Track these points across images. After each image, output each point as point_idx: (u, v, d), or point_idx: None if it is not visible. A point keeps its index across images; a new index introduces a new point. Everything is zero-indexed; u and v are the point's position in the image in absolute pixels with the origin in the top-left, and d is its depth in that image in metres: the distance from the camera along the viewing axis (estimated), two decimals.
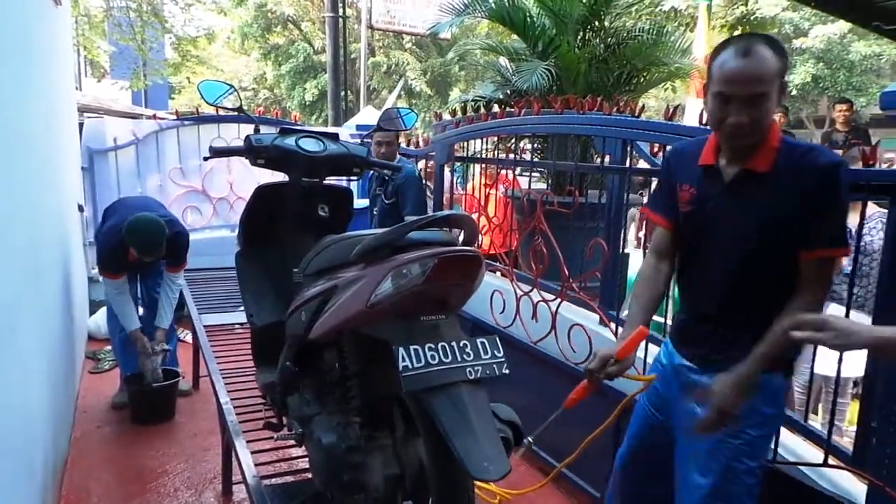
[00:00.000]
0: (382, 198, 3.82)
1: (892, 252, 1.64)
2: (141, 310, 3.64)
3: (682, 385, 1.65)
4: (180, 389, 3.72)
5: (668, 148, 2.04)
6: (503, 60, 4.94)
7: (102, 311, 4.40)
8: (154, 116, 5.58)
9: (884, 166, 2.26)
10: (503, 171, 3.71)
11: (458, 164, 4.27)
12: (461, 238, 1.55)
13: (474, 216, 3.60)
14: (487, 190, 3.82)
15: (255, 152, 2.08)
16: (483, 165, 3.87)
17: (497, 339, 1.42)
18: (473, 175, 3.97)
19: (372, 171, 3.83)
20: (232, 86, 2.29)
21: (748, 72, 1.40)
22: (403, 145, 4.82)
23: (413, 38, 17.92)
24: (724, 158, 1.55)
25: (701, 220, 1.59)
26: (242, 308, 2.31)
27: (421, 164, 4.39)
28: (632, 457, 1.86)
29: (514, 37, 4.80)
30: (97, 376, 4.12)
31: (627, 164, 2.70)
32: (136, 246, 3.16)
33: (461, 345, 1.36)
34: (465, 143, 3.79)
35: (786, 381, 1.60)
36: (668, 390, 1.72)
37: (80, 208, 4.64)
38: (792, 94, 16.49)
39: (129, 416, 3.49)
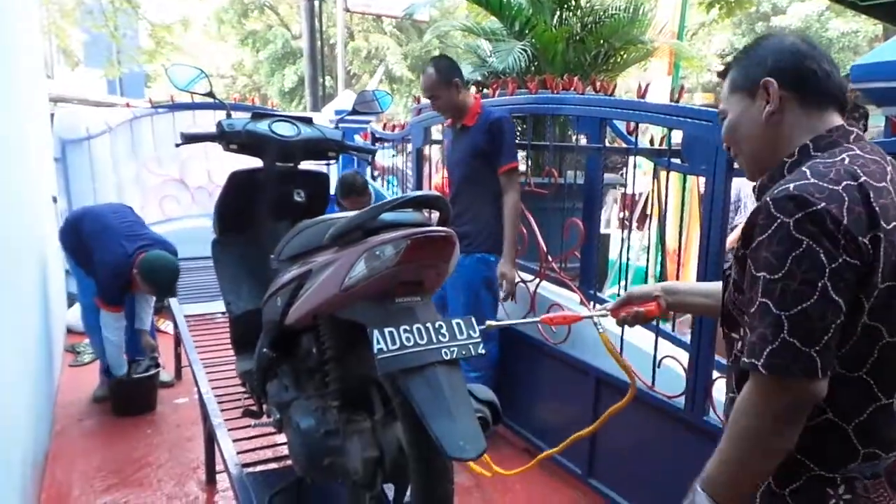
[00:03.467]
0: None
1: None
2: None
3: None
4: (162, 381, 3.70)
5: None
6: (482, 42, 4.91)
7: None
8: (127, 105, 5.47)
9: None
10: None
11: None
12: (435, 219, 1.54)
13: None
14: None
15: (226, 138, 2.05)
16: None
17: (472, 320, 1.42)
18: None
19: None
20: (202, 70, 2.24)
21: (424, 86, 2.97)
22: (380, 129, 4.79)
23: (393, 21, 17.73)
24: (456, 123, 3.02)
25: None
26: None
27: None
28: None
29: (493, 18, 4.76)
30: (77, 369, 4.08)
31: (603, 144, 2.70)
32: (158, 288, 3.23)
33: (436, 326, 1.36)
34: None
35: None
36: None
37: (54, 199, 4.57)
38: None
39: (111, 408, 3.47)
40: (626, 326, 1.55)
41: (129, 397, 3.45)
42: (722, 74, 1.17)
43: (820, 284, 0.91)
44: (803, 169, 0.98)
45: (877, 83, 1.62)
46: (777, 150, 1.07)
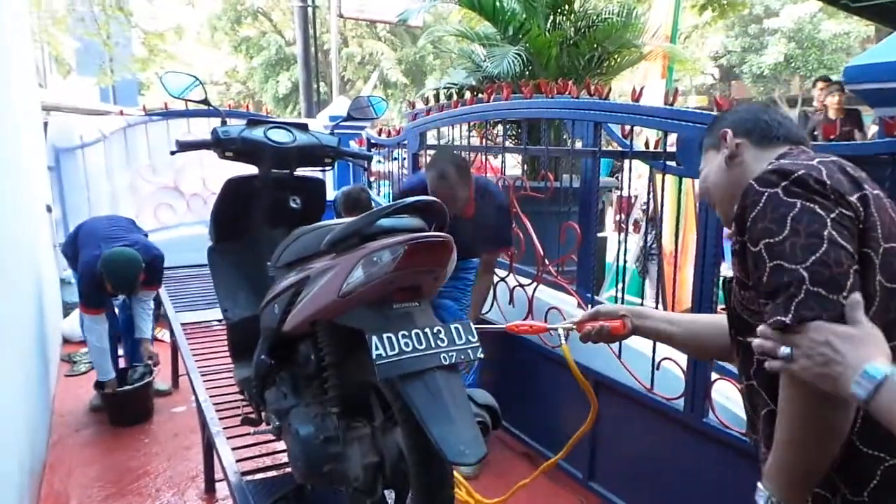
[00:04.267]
0: None
1: None
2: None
3: None
4: (159, 389, 3.69)
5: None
6: (476, 47, 4.92)
7: (76, 314, 4.33)
8: (121, 113, 5.46)
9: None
10: (480, 157, 3.70)
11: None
12: (432, 225, 1.54)
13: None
14: None
15: (222, 145, 2.05)
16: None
17: (471, 325, 1.42)
18: None
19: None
20: (197, 78, 2.24)
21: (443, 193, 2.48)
22: (375, 135, 4.79)
23: (387, 26, 17.77)
24: None
25: None
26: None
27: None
28: None
29: (487, 23, 4.77)
30: (74, 379, 4.06)
31: (598, 147, 2.70)
32: (112, 283, 3.16)
33: (435, 331, 1.36)
34: (438, 131, 3.77)
35: None
36: None
37: (48, 209, 4.55)
38: (764, 74, 16.71)
39: (107, 418, 3.45)
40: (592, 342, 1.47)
41: (122, 406, 3.42)
42: (699, 146, 1.29)
43: (825, 233, 0.91)
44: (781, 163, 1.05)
45: (870, 84, 1.62)
46: (744, 184, 1.10)
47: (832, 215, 0.92)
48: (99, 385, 3.42)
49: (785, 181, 0.96)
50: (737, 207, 1.02)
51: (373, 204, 3.76)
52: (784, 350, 0.90)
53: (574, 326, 1.46)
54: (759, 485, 1.01)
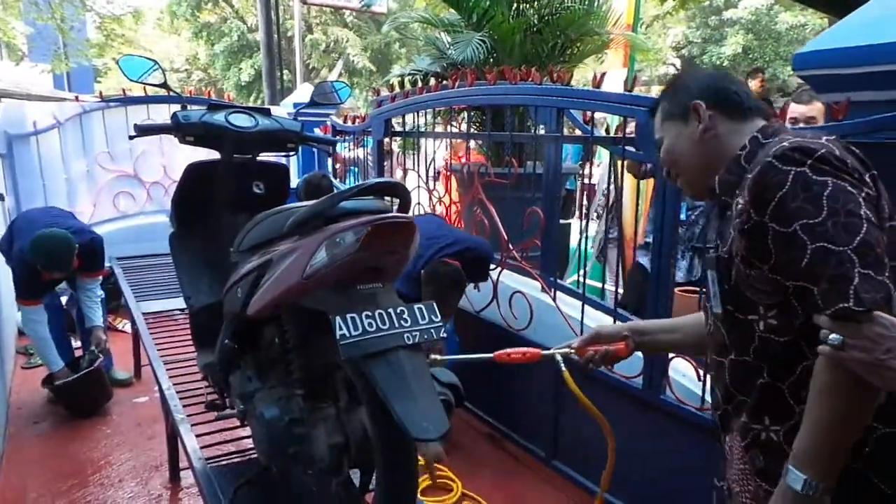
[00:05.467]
0: None
1: None
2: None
3: None
4: (118, 378, 3.62)
5: None
6: (442, 34, 4.91)
7: None
8: (76, 99, 5.30)
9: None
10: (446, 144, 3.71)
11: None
12: (395, 206, 1.55)
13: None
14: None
15: (182, 129, 2.02)
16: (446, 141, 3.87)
17: (434, 305, 1.43)
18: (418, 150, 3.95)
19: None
20: (155, 61, 2.20)
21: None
22: (340, 122, 4.77)
23: (353, 13, 17.56)
24: None
25: None
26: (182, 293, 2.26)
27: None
28: None
29: (452, 10, 4.77)
30: (31, 371, 3.95)
31: (561, 133, 2.74)
32: (43, 264, 3.02)
33: (398, 311, 1.37)
34: (403, 118, 3.77)
35: None
36: None
37: (1, 198, 4.41)
38: (724, 65, 17.04)
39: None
40: (590, 364, 1.45)
41: (74, 395, 3.32)
42: (652, 112, 1.29)
43: (862, 212, 0.92)
44: (779, 139, 1.05)
45: (816, 70, 1.69)
46: (721, 156, 1.14)
47: (862, 194, 0.94)
48: (47, 380, 3.33)
49: (810, 159, 0.95)
50: (753, 185, 1.00)
51: (334, 190, 3.74)
52: (835, 337, 0.90)
53: (573, 351, 1.42)
54: (791, 468, 0.98)
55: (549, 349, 1.47)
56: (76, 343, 3.69)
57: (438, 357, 1.51)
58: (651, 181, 3.86)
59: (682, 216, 2.96)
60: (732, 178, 1.11)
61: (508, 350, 1.49)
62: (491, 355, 1.49)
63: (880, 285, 0.89)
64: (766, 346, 1.05)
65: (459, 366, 2.60)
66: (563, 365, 1.43)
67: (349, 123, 4.59)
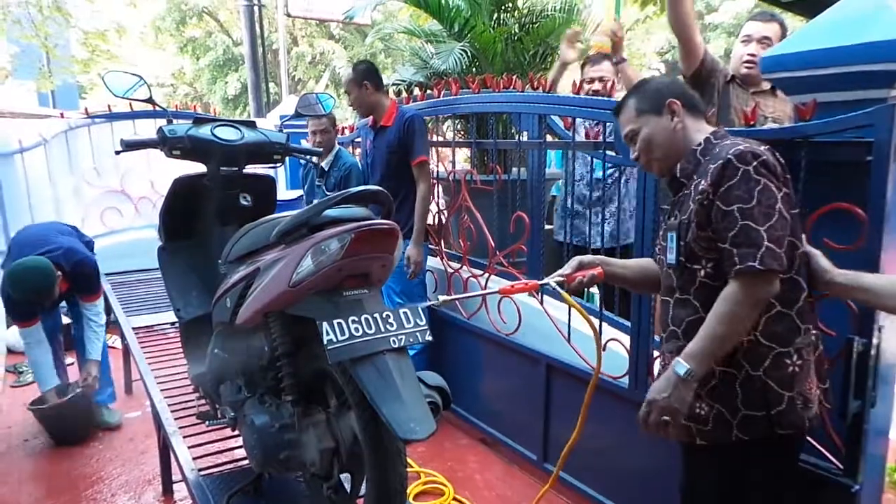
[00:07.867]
0: (324, 189, 3.76)
1: None
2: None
3: None
4: (106, 421, 3.39)
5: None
6: (425, 44, 4.96)
7: None
8: (62, 116, 5.31)
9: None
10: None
11: None
12: (378, 213, 1.59)
13: None
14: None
15: (168, 143, 2.04)
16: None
17: (419, 308, 1.47)
18: None
19: (308, 162, 3.83)
20: (141, 77, 2.23)
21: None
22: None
23: (339, 25, 17.63)
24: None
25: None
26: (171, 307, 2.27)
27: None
28: None
29: (434, 20, 4.82)
30: (20, 389, 3.95)
31: (543, 139, 2.79)
32: (19, 297, 2.97)
33: (384, 315, 1.41)
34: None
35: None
36: None
37: None
38: None
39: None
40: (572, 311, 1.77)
41: (52, 419, 3.21)
42: (617, 111, 1.64)
43: (778, 207, 1.35)
44: (730, 143, 1.45)
45: (783, 73, 1.75)
46: (685, 145, 1.53)
47: (780, 193, 1.37)
48: (37, 402, 3.24)
49: (756, 161, 1.36)
50: (715, 173, 1.39)
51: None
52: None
53: (564, 278, 1.66)
54: (679, 360, 1.41)
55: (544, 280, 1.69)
56: (70, 359, 3.65)
57: (446, 297, 1.61)
58: None
59: (598, 175, 2.95)
60: (690, 167, 1.51)
61: (510, 284, 1.72)
62: (496, 290, 1.73)
63: (777, 256, 1.34)
64: (703, 287, 1.47)
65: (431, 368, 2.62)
66: (559, 289, 1.67)
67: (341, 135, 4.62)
